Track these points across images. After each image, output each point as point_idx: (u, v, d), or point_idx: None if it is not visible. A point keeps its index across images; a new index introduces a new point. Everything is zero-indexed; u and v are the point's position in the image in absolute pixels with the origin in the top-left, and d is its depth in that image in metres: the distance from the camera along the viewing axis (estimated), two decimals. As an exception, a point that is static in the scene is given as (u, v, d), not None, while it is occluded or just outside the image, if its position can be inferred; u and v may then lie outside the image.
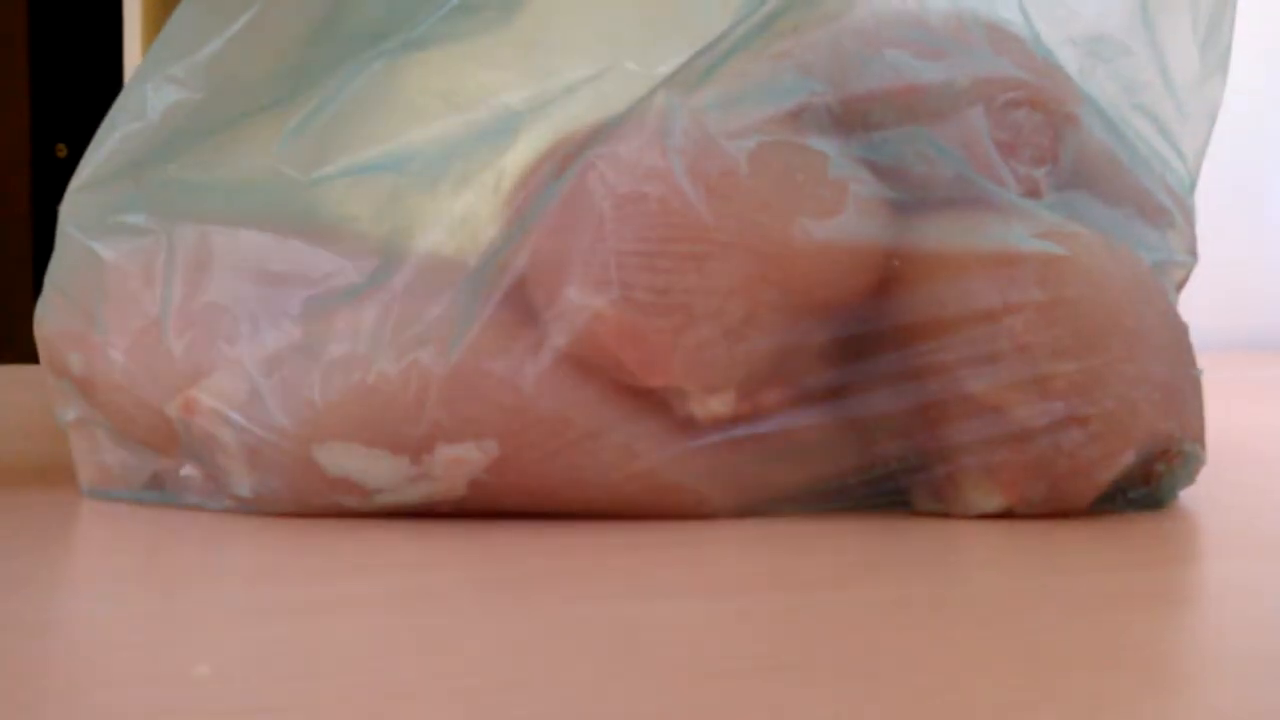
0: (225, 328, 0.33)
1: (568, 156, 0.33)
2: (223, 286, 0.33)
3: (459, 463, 0.32)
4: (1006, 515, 0.33)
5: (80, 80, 2.10)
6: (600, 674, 0.20)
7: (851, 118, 0.34)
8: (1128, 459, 0.32)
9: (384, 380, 0.32)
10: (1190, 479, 0.35)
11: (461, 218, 0.35)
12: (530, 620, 0.23)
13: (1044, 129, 0.36)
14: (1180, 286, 0.41)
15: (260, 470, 0.32)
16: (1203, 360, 0.35)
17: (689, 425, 0.32)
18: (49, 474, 0.40)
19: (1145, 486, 0.34)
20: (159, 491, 0.35)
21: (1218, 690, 0.19)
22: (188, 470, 0.34)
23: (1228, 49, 0.42)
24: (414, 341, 0.32)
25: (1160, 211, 0.39)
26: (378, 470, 0.32)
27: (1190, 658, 0.21)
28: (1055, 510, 0.33)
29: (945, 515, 0.33)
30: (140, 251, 0.34)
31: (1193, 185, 0.42)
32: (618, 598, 0.25)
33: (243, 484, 0.33)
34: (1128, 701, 0.18)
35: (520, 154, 0.35)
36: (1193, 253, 0.41)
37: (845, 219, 0.33)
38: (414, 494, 0.32)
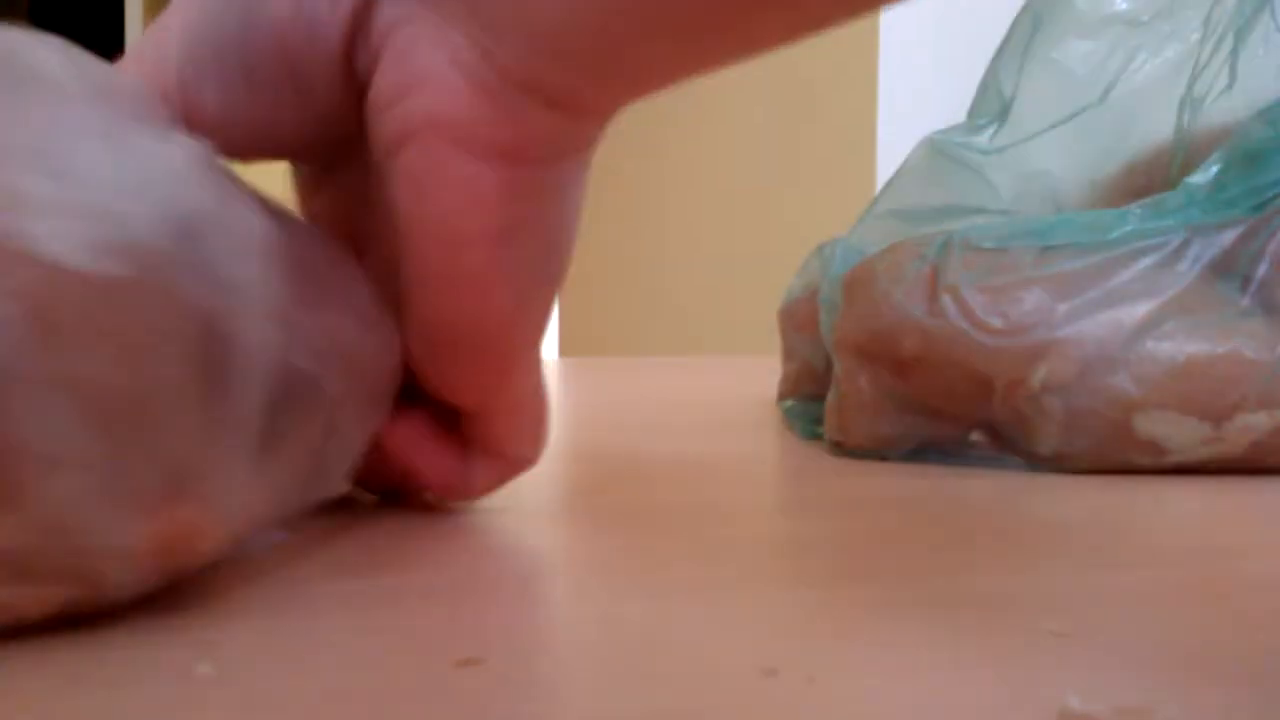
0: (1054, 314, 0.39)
1: None
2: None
3: (1250, 428, 0.35)
4: None
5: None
6: (601, 674, 0.19)
7: None
8: None
9: (1210, 360, 0.36)
10: None
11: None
12: (531, 621, 0.23)
13: None
14: None
15: (1074, 432, 0.38)
16: None
17: None
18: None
19: None
20: (931, 454, 0.41)
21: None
22: (977, 435, 0.40)
23: None
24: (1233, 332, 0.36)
25: None
26: (1181, 434, 0.36)
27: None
28: None
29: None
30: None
31: None
32: (617, 597, 0.24)
33: (1048, 444, 0.39)
34: None
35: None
36: None
37: None
38: (1201, 454, 0.36)
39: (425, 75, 0.24)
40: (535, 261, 0.27)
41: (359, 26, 0.25)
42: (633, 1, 0.23)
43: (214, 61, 0.26)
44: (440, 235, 0.25)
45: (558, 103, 0.25)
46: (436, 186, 0.25)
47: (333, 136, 0.27)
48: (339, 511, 0.32)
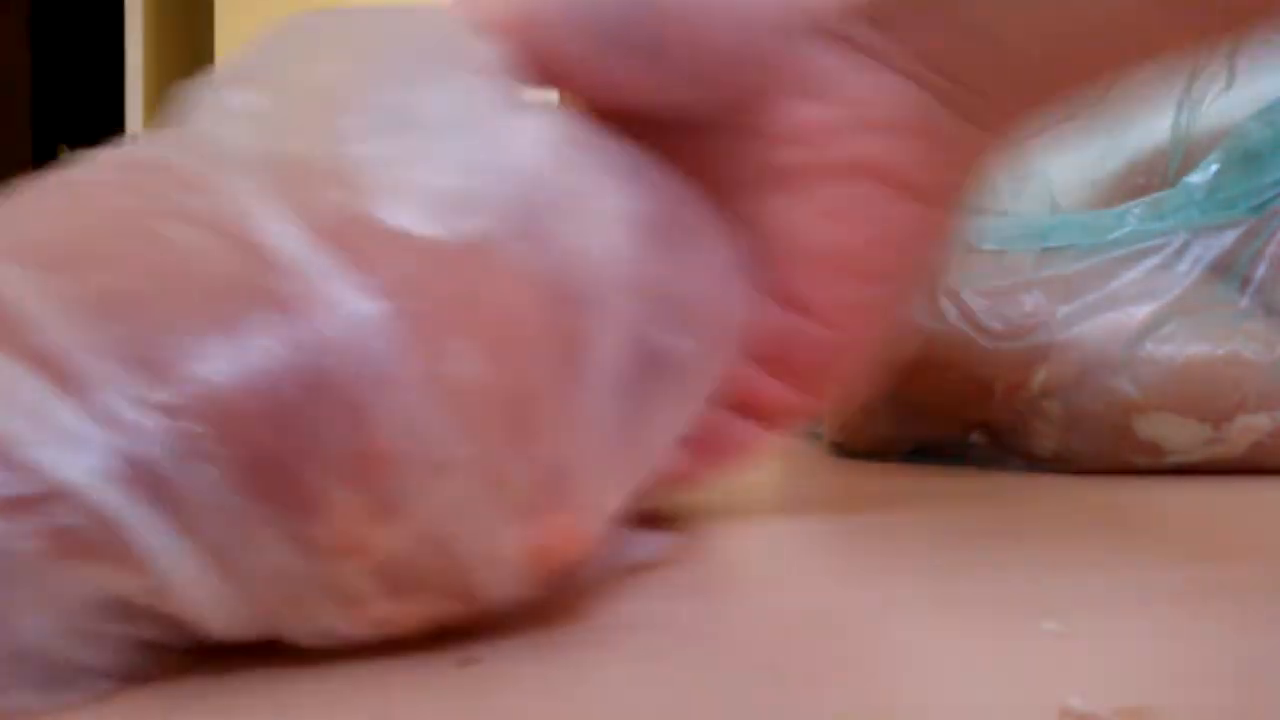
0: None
1: None
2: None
3: (1250, 429, 0.35)
4: None
5: (81, 81, 1.66)
6: (600, 674, 0.19)
7: None
8: None
9: (1210, 362, 0.36)
10: None
11: None
12: (531, 621, 0.22)
13: None
14: None
15: (1074, 434, 0.38)
16: None
17: None
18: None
19: None
20: (931, 455, 0.40)
21: None
22: (976, 437, 0.40)
23: None
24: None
25: None
26: (1181, 436, 0.36)
27: None
28: None
29: None
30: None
31: None
32: (616, 596, 0.24)
33: (1047, 446, 0.39)
34: None
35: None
36: None
37: None
38: (1201, 455, 0.36)
39: (878, 117, 0.25)
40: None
41: (797, 41, 0.25)
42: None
43: (616, 31, 0.25)
44: (825, 263, 0.26)
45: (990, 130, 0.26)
46: (855, 222, 0.26)
47: (684, 118, 0.27)
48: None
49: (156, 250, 0.18)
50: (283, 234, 0.18)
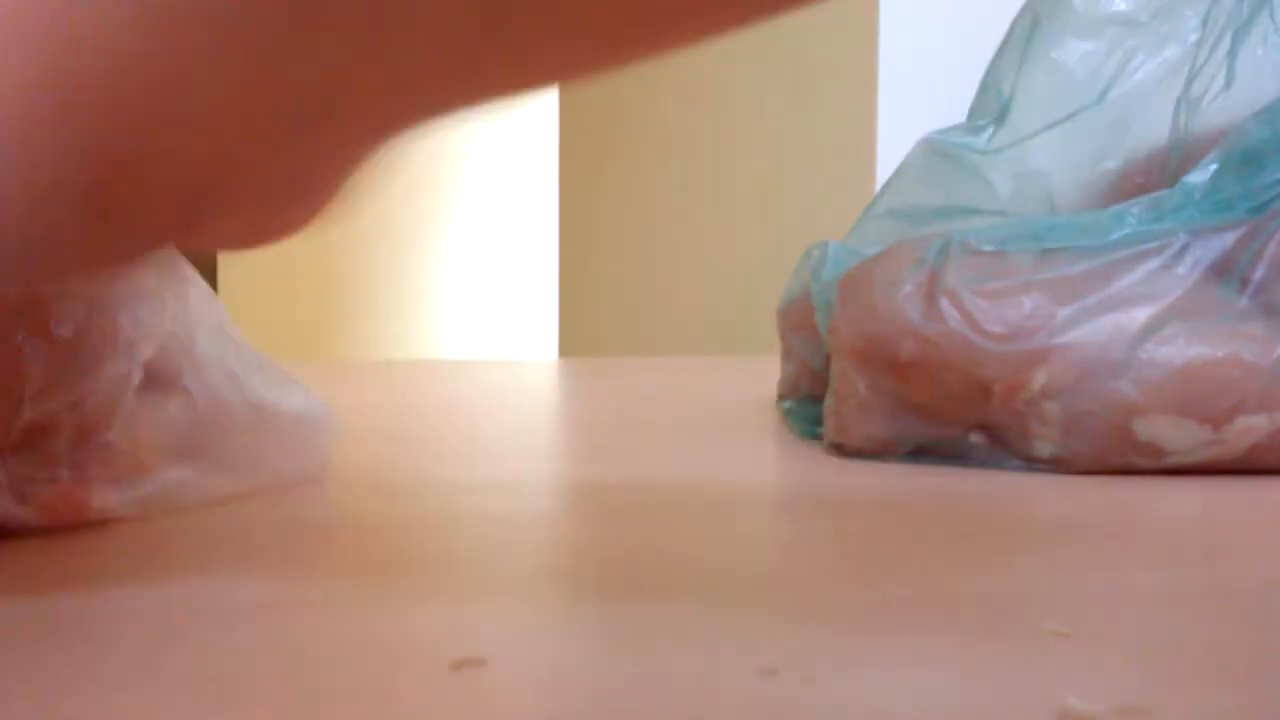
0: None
1: None
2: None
3: (1250, 430, 0.35)
4: None
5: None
6: (600, 674, 0.20)
7: None
8: None
9: (1210, 364, 0.36)
10: None
11: None
12: (531, 621, 0.22)
13: None
14: None
15: (1073, 436, 0.38)
16: None
17: None
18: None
19: None
20: (930, 455, 0.40)
21: None
22: (975, 437, 0.41)
23: None
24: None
25: None
26: (1181, 438, 0.36)
27: None
28: None
29: None
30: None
31: None
32: (617, 596, 0.24)
33: (1046, 447, 0.39)
34: None
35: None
36: None
37: None
38: (1201, 456, 0.36)
39: None
40: None
41: None
42: None
43: None
44: None
45: None
46: None
47: None
48: (334, 509, 0.33)
49: None
50: None
